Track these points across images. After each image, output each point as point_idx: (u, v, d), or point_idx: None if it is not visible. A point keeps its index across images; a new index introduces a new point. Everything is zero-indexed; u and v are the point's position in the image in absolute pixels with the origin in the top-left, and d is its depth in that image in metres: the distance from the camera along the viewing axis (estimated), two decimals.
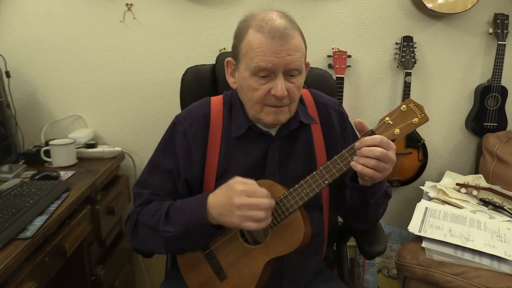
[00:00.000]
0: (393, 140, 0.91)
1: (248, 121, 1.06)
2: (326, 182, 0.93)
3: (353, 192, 1.03)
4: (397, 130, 0.91)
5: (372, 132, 0.93)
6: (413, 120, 0.91)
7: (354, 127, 0.96)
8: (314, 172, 0.95)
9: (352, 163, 0.91)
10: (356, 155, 0.91)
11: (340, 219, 1.30)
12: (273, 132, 1.08)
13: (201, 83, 1.42)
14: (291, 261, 1.08)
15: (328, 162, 0.94)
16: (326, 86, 1.40)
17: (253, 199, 0.90)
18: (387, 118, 0.92)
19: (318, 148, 1.11)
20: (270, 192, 0.94)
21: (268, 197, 0.92)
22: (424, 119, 0.91)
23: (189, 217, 0.98)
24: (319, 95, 1.18)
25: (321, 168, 0.94)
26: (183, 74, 1.44)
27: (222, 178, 1.06)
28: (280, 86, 0.95)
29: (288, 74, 0.98)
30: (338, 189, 1.10)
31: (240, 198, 0.90)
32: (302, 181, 0.95)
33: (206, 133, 1.08)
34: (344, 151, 0.93)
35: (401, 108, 0.92)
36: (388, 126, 0.92)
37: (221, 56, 1.47)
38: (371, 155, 0.88)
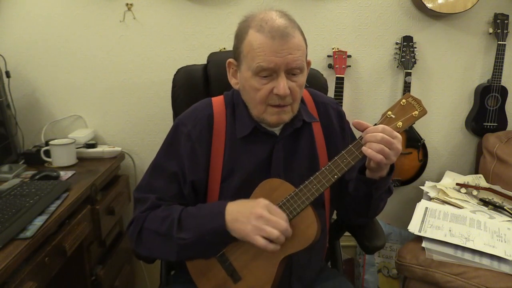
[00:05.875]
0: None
1: (253, 121, 1.06)
2: (336, 176, 0.95)
3: (358, 185, 1.04)
4: (399, 123, 0.95)
5: None
6: (413, 113, 0.95)
7: (353, 127, 0.98)
8: (323, 168, 0.96)
9: (363, 148, 0.93)
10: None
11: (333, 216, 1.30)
12: (276, 131, 1.08)
13: (193, 84, 1.40)
14: (299, 258, 1.07)
15: (336, 158, 0.96)
16: (318, 85, 1.39)
17: (273, 216, 0.92)
18: (389, 113, 0.96)
19: (319, 146, 1.12)
20: (280, 190, 0.96)
21: (287, 222, 0.94)
22: (423, 112, 0.96)
23: (206, 224, 0.97)
24: (318, 95, 1.19)
25: (329, 163, 0.96)
26: (174, 75, 1.42)
27: (227, 179, 1.05)
28: (282, 85, 0.96)
29: (290, 73, 0.98)
30: (338, 185, 1.11)
31: (262, 210, 0.92)
32: (311, 177, 0.96)
33: (210, 134, 1.07)
34: (351, 146, 0.96)
35: (401, 102, 0.96)
36: (390, 120, 0.96)
37: (212, 56, 1.46)
38: (373, 140, 0.91)
